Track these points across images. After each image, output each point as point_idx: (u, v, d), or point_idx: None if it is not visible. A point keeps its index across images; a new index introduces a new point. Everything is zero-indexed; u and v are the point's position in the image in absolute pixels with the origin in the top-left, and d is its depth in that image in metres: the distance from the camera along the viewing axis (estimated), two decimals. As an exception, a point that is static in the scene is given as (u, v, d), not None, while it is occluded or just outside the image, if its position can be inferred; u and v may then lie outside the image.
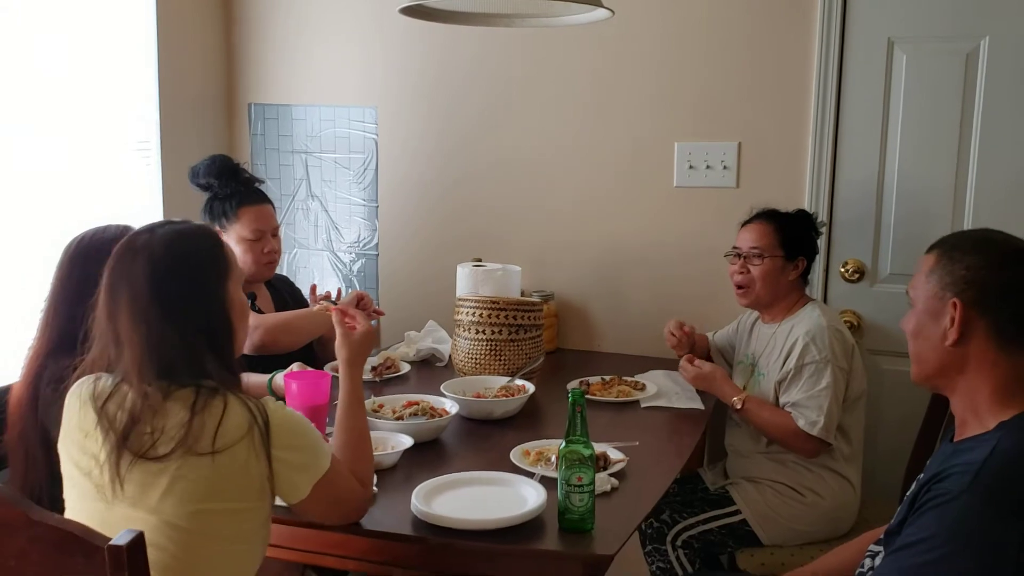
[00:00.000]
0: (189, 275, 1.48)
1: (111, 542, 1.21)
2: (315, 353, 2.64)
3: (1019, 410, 1.36)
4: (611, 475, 1.88)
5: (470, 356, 2.53)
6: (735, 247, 2.50)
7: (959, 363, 1.41)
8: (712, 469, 2.62)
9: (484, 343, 2.51)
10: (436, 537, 1.64)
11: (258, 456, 1.43)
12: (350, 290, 3.26)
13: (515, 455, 1.98)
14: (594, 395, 2.47)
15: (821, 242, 2.61)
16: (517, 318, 2.52)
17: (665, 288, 2.96)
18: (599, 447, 1.90)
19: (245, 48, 3.35)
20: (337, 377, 1.77)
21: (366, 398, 1.91)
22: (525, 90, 3.04)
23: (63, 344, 1.87)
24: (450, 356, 2.72)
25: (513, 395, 2.33)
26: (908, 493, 1.44)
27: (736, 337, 2.67)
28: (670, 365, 2.71)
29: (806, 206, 2.71)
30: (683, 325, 2.61)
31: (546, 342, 2.75)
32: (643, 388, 2.54)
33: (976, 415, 1.40)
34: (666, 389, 2.54)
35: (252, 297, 2.49)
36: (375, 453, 1.84)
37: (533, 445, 2.02)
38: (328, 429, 1.96)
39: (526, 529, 1.65)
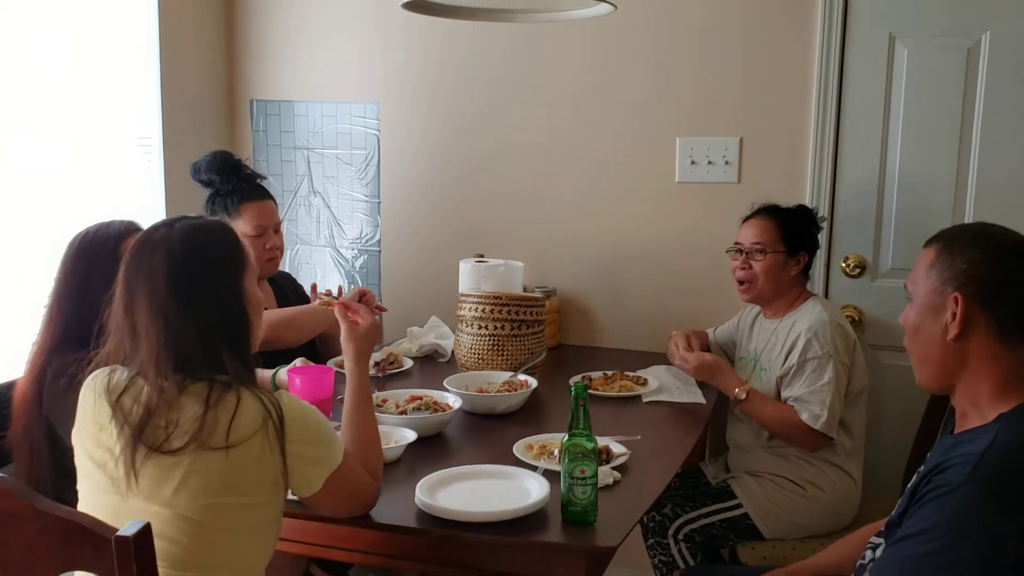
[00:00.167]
0: (207, 269, 1.48)
1: (118, 533, 1.21)
2: (317, 349, 2.65)
3: (1019, 402, 1.37)
4: (613, 468, 1.89)
5: (473, 351, 2.54)
6: (737, 243, 2.50)
7: (960, 358, 1.41)
8: (714, 463, 2.63)
9: (487, 338, 2.52)
10: (440, 530, 1.65)
11: (272, 450, 1.43)
12: (352, 286, 3.26)
13: (518, 449, 1.98)
14: (596, 390, 2.47)
15: (822, 237, 2.61)
16: (519, 314, 2.52)
17: (667, 283, 2.97)
18: (602, 441, 1.91)
19: (246, 44, 3.35)
20: (341, 372, 1.77)
21: (370, 393, 1.91)
22: (527, 86, 3.05)
23: (67, 339, 1.88)
24: (452, 352, 2.72)
25: (516, 390, 2.34)
26: (909, 485, 1.44)
27: (737, 333, 2.67)
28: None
29: (807, 201, 2.71)
30: (689, 343, 2.54)
31: (548, 338, 2.76)
32: (645, 383, 2.54)
33: (977, 408, 1.41)
34: (668, 384, 2.55)
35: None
36: (379, 447, 1.85)
37: (536, 439, 2.03)
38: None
39: (529, 521, 1.66)
